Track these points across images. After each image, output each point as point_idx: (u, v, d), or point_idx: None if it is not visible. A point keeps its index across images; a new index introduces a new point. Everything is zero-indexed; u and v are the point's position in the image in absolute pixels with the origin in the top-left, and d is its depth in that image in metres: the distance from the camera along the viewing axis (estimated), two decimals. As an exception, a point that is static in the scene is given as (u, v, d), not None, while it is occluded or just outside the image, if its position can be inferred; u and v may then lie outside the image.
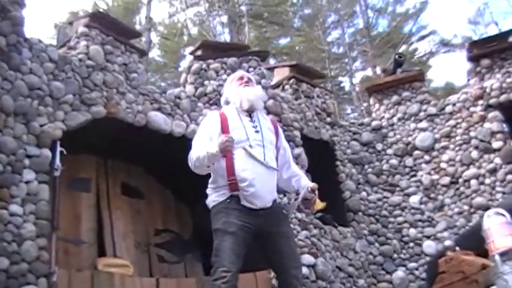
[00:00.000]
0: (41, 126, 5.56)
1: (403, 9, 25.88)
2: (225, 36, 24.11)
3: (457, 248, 6.61)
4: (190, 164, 3.97)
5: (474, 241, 6.58)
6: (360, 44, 25.97)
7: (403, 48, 25.20)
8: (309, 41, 25.33)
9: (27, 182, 5.21)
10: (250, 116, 4.15)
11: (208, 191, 4.08)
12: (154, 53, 26.24)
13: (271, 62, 27.16)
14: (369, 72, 25.12)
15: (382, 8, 25.82)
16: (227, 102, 4.39)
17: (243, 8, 22.86)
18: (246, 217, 3.85)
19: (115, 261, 6.42)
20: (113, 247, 6.93)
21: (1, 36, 5.50)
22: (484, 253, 6.13)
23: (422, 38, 25.83)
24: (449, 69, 52.01)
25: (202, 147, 3.92)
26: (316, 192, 4.13)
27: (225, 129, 4.05)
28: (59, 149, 5.67)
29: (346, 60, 25.14)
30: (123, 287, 5.84)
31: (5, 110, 5.25)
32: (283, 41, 27.52)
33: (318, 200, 4.20)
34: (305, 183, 4.26)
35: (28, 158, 5.32)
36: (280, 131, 4.39)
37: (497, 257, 3.51)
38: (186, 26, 25.06)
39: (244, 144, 3.94)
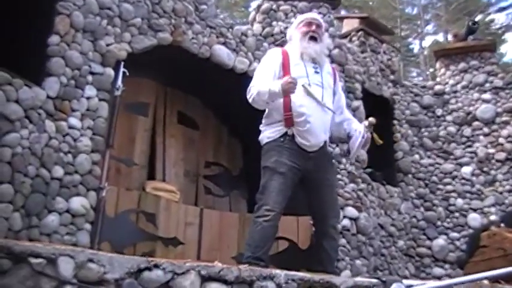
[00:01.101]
0: (107, 45, 5.62)
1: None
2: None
3: (502, 225, 6.54)
4: (248, 96, 3.99)
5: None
6: (435, 7, 25.24)
7: (478, 18, 24.44)
8: (383, -6, 24.81)
9: (88, 98, 5.32)
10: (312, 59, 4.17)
11: (261, 127, 4.13)
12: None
13: (342, 13, 26.89)
14: (440, 37, 24.53)
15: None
16: (291, 41, 4.39)
17: None
18: (297, 158, 3.89)
19: (163, 186, 6.57)
20: (163, 172, 7.07)
21: (77, -45, 5.56)
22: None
23: (501, 9, 24.93)
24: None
25: (265, 82, 3.94)
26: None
27: (286, 66, 4.07)
28: (122, 69, 5.75)
29: (419, 22, 24.51)
30: (167, 211, 6.00)
31: (74, 26, 5.32)
32: (357, -5, 26.98)
33: (375, 136, 4.20)
34: (356, 126, 4.27)
35: (91, 75, 5.41)
36: (338, 77, 4.39)
37: None
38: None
39: (303, 81, 3.95)
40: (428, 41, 25.18)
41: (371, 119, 4.13)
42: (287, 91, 3.78)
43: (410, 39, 27.27)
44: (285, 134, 3.95)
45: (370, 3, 25.97)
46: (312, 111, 3.93)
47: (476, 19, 23.76)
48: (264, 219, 3.76)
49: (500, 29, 25.38)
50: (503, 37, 25.40)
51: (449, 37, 10.66)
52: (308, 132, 3.88)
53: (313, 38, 4.20)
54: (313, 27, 4.26)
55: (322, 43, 4.28)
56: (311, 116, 3.90)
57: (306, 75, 4.04)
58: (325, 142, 4.10)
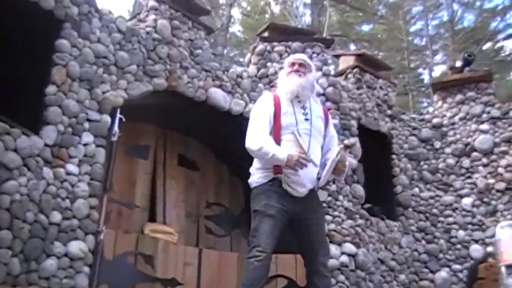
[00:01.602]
0: (104, 93, 5.84)
1: (492, 4, 24.99)
2: (306, 18, 23.95)
3: (499, 256, 6.58)
4: (249, 146, 4.05)
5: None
6: (443, 37, 25.41)
7: (487, 46, 24.57)
8: (390, 29, 24.93)
9: (85, 145, 5.51)
10: (301, 102, 4.27)
11: (251, 170, 4.23)
12: (235, 28, 26.42)
13: (352, 47, 27.08)
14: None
15: (469, 2, 24.99)
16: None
17: None
18: (285, 201, 3.99)
19: (161, 228, 6.69)
20: (163, 214, 7.20)
21: (74, 6, 5.81)
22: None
23: (509, 37, 24.98)
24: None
25: (268, 140, 4.02)
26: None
27: (277, 113, 4.17)
28: (118, 116, 5.93)
29: (427, 52, 24.61)
30: (165, 253, 6.10)
31: (71, 76, 5.55)
32: (365, 28, 27.21)
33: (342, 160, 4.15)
34: (331, 153, 4.30)
35: (88, 122, 5.62)
36: (330, 119, 4.46)
37: (503, 269, 3.55)
38: (269, 3, 25.06)
39: (293, 129, 4.07)
40: (438, 71, 25.22)
41: (346, 141, 4.15)
42: (291, 166, 3.90)
43: (420, 70, 27.38)
44: (274, 179, 4.06)
45: (379, 35, 26.13)
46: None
47: (485, 48, 24.02)
48: (256, 259, 3.86)
49: (510, 55, 25.47)
50: (512, 64, 25.52)
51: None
52: (294, 183, 3.99)
53: (297, 72, 4.33)
54: (296, 67, 4.39)
55: (305, 78, 4.38)
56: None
57: (296, 124, 4.13)
58: (312, 189, 4.20)
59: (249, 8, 25.41)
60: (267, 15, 25.11)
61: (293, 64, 4.41)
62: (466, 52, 10.37)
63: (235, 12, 24.08)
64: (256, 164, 4.19)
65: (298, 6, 24.29)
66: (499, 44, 25.44)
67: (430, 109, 23.05)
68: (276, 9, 25.25)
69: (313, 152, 4.07)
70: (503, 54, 25.52)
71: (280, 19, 24.03)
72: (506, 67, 25.77)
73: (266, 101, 4.25)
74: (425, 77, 26.30)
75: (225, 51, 23.35)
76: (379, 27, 26.24)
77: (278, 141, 3.99)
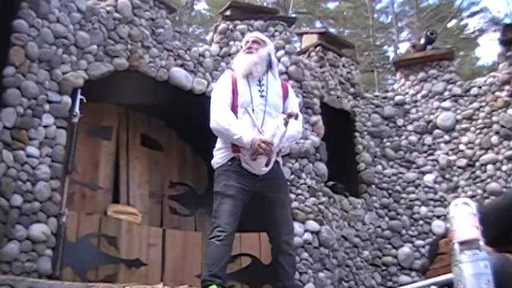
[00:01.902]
0: (64, 73, 5.78)
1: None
2: (273, -5, 23.94)
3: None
4: (215, 124, 4.07)
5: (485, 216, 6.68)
6: (408, 15, 25.56)
7: (452, 23, 24.80)
8: (356, 7, 24.99)
9: (45, 126, 5.46)
10: (258, 79, 4.31)
11: (214, 151, 4.27)
12: (201, 6, 26.17)
13: (318, 25, 27.08)
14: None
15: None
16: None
17: None
18: (245, 180, 4.03)
19: (124, 209, 6.68)
20: (127, 195, 7.19)
21: (31, -16, 5.70)
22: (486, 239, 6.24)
23: (473, 14, 25.25)
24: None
25: (233, 120, 4.04)
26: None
27: (234, 91, 4.21)
28: (79, 96, 5.87)
29: (392, 29, 24.73)
30: (129, 234, 6.10)
31: (29, 56, 5.47)
32: (331, 5, 27.19)
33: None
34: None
35: (48, 104, 5.56)
36: (291, 95, 4.48)
37: (456, 246, 3.58)
38: (235, -20, 24.88)
39: (248, 107, 4.10)
40: (403, 48, 25.41)
41: (289, 111, 4.16)
42: (254, 152, 3.92)
43: (385, 47, 27.54)
44: (233, 158, 4.09)
45: (344, 13, 26.17)
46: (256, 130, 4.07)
47: (450, 25, 24.23)
48: (217, 239, 3.90)
49: (474, 33, 25.75)
50: (477, 41, 25.82)
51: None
52: (250, 160, 4.02)
53: (248, 53, 4.37)
54: (249, 44, 4.44)
55: (257, 54, 4.41)
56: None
57: (251, 101, 4.17)
58: (273, 165, 4.22)
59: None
60: (233, -8, 24.97)
61: (247, 42, 4.48)
62: (428, 30, 10.45)
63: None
64: (217, 144, 4.23)
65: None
66: (463, 22, 25.74)
67: (395, 86, 23.17)
68: (243, -15, 25.00)
69: (267, 128, 4.10)
70: (467, 32, 25.81)
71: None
72: (470, 44, 26.09)
73: (225, 81, 4.33)
74: (391, 55, 26.48)
75: (190, 30, 23.19)
76: (344, 4, 26.28)
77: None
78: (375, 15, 25.71)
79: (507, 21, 24.29)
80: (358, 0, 24.61)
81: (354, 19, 25.58)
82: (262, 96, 4.23)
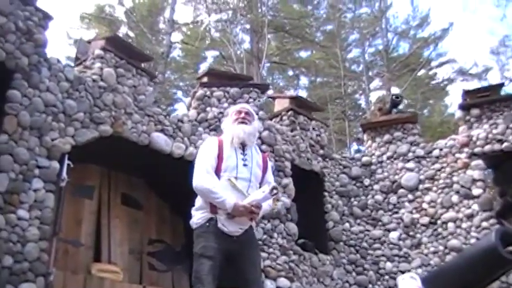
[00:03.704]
0: (53, 140, 6.18)
1: (425, 34, 25.98)
2: (246, 45, 24.62)
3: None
4: (198, 184, 4.34)
5: (436, 282, 7.13)
6: (379, 65, 26.24)
7: (421, 73, 25.51)
8: (329, 56, 25.55)
9: (35, 190, 5.83)
10: (243, 148, 4.73)
11: (192, 211, 4.65)
12: (175, 53, 26.55)
13: (290, 73, 27.68)
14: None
15: (403, 31, 26.07)
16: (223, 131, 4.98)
17: (266, 18, 22.96)
18: (223, 241, 4.38)
19: (107, 267, 7.00)
20: (108, 252, 7.49)
21: (24, 57, 6.16)
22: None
23: (441, 64, 26.08)
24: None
25: (216, 183, 4.42)
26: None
27: (220, 156, 4.62)
28: (66, 162, 6.27)
29: (363, 78, 25.29)
30: (112, 291, 6.44)
31: (21, 124, 5.88)
32: (304, 54, 27.77)
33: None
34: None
35: (38, 169, 5.94)
36: (269, 167, 4.87)
37: None
38: (208, 30, 25.43)
39: (231, 175, 4.51)
40: (374, 97, 25.98)
41: (273, 185, 4.57)
42: (237, 215, 4.35)
43: (357, 96, 28.08)
44: (211, 219, 4.47)
45: (317, 61, 26.70)
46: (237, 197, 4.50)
47: (420, 74, 24.96)
48: None
49: (443, 82, 26.55)
50: (446, 89, 26.66)
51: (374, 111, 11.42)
52: (228, 222, 4.41)
53: (242, 122, 4.79)
54: (243, 115, 4.85)
55: (252, 126, 4.85)
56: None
57: (236, 167, 4.59)
58: (247, 228, 4.63)
59: (188, 33, 25.65)
60: (207, 41, 25.48)
61: (240, 112, 4.84)
62: (393, 94, 11.03)
63: (176, 37, 24.32)
64: (196, 204, 4.60)
65: (237, 32, 24.83)
66: (432, 71, 26.59)
67: (362, 148, 23.66)
68: (217, 34, 25.60)
69: (252, 194, 4.52)
70: (436, 81, 26.63)
71: (219, 44, 24.53)
72: (440, 93, 26.89)
73: (211, 144, 4.66)
74: (362, 103, 27.03)
75: (165, 76, 23.53)
76: (317, 54, 26.79)
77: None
78: (347, 64, 26.30)
79: (473, 71, 25.41)
80: (330, 50, 25.19)
81: (325, 68, 26.15)
82: (245, 165, 4.64)
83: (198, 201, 4.51)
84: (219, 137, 4.77)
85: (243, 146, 4.60)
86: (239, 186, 4.39)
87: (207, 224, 4.37)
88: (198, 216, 4.45)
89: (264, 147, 8.20)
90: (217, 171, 4.42)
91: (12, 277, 5.34)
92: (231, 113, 4.88)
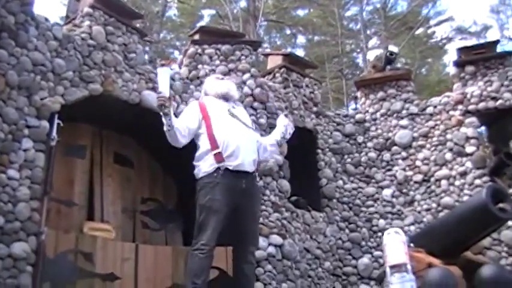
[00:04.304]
0: (42, 99, 6.13)
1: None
2: (242, 3, 24.42)
3: (411, 244, 7.14)
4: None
5: (427, 239, 7.20)
6: (376, 23, 26.10)
7: (420, 31, 25.42)
8: (326, 14, 25.45)
9: (25, 150, 5.80)
10: (227, 102, 4.83)
11: (195, 162, 4.71)
12: (171, 12, 26.49)
13: (287, 32, 27.52)
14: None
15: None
16: (206, 94, 5.04)
17: None
18: (228, 193, 4.46)
19: (99, 226, 7.02)
20: (101, 211, 7.51)
21: (10, 15, 6.03)
22: (433, 252, 6.76)
23: (440, 23, 26.00)
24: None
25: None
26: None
27: (204, 113, 4.69)
28: (56, 121, 6.24)
29: (361, 37, 25.20)
30: (104, 249, 6.43)
31: (9, 84, 5.81)
32: (301, 12, 27.73)
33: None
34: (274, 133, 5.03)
35: (28, 128, 5.90)
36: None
37: (388, 269, 4.08)
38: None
39: (226, 108, 4.64)
40: (372, 55, 25.96)
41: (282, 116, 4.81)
42: (158, 105, 4.50)
43: (354, 54, 28.04)
44: (218, 168, 4.52)
45: (314, 20, 26.56)
46: (238, 133, 4.56)
47: (418, 33, 24.81)
48: (200, 252, 4.36)
49: (441, 41, 26.46)
50: (444, 48, 26.60)
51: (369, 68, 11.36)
52: (235, 153, 4.48)
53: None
54: (221, 77, 5.02)
55: (232, 83, 4.98)
56: (237, 137, 4.52)
57: (227, 111, 4.71)
58: (256, 171, 4.70)
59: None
60: (203, 0, 25.25)
61: (218, 77, 5.04)
62: (388, 51, 10.96)
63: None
64: (199, 153, 4.67)
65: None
66: (430, 30, 26.47)
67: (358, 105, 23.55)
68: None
69: (247, 139, 4.60)
70: (434, 40, 26.52)
71: (215, 3, 24.32)
72: (438, 52, 26.84)
73: (189, 109, 4.85)
74: (360, 61, 26.98)
75: (161, 35, 23.40)
76: (314, 12, 26.68)
77: (210, 127, 4.57)
78: (344, 23, 26.17)
79: (472, 29, 25.25)
80: (328, 8, 25.04)
81: (323, 27, 26.02)
82: (234, 107, 4.77)
83: (199, 151, 4.62)
84: (199, 101, 4.93)
85: (226, 100, 4.78)
86: (236, 113, 4.58)
87: (215, 173, 4.47)
88: (204, 165, 4.56)
89: (256, 104, 8.17)
90: (206, 120, 4.62)
91: (3, 236, 5.35)
92: (211, 78, 5.12)
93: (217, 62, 8.38)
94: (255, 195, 4.75)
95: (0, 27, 5.92)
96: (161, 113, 4.49)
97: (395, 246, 4.33)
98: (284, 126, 4.96)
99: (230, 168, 4.45)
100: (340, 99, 25.27)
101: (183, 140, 4.66)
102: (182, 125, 4.63)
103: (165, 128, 4.56)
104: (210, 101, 4.85)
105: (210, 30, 9.21)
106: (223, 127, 4.57)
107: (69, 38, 6.75)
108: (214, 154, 4.49)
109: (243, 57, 8.57)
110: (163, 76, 4.58)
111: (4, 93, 5.76)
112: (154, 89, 7.45)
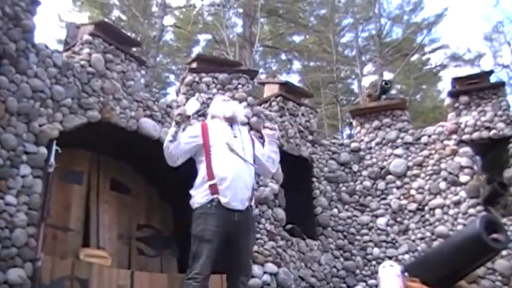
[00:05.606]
0: (40, 126, 6.17)
1: (418, 19, 26.02)
2: (239, 29, 24.58)
3: (406, 274, 7.17)
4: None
5: (422, 269, 7.24)
6: (372, 50, 26.25)
7: (415, 58, 25.55)
8: (322, 40, 25.54)
9: (23, 176, 5.82)
10: (231, 126, 4.87)
11: (191, 192, 4.75)
12: (168, 37, 26.50)
13: (283, 57, 27.67)
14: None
15: (397, 16, 26.07)
16: (212, 117, 5.10)
17: (258, 2, 22.83)
18: (223, 223, 4.50)
19: (95, 252, 7.04)
20: (97, 237, 7.52)
21: (12, 43, 6.10)
22: (428, 281, 6.80)
23: (434, 50, 26.13)
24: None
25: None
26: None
27: (205, 134, 4.75)
28: (54, 147, 6.28)
29: (357, 63, 25.29)
30: (100, 276, 6.44)
31: (9, 110, 5.86)
32: (297, 38, 27.87)
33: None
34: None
35: (26, 154, 5.92)
36: (256, 141, 5.04)
37: None
38: (201, 14, 25.35)
39: (225, 140, 4.67)
40: (367, 82, 25.98)
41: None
42: (177, 114, 4.59)
43: (350, 80, 28.15)
44: (212, 200, 4.57)
45: (310, 46, 26.71)
46: (234, 168, 4.60)
47: (413, 59, 24.98)
48: (195, 281, 4.38)
49: (436, 67, 26.65)
50: (439, 75, 26.78)
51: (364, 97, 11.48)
52: (229, 189, 4.52)
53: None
54: (227, 99, 5.09)
55: (238, 106, 5.06)
56: (233, 172, 4.56)
57: (226, 138, 4.76)
58: (250, 206, 4.73)
59: (181, 16, 25.53)
60: (199, 25, 25.41)
61: (225, 100, 5.11)
62: (383, 80, 11.08)
63: (168, 21, 24.19)
64: (197, 182, 4.71)
65: (230, 16, 24.71)
66: (425, 57, 26.66)
67: (352, 132, 23.70)
68: (209, 18, 25.56)
69: (243, 174, 4.64)
70: (429, 67, 26.71)
71: (212, 28, 24.47)
72: (432, 78, 27.01)
73: (190, 129, 4.87)
74: (355, 87, 27.08)
75: (158, 60, 23.51)
76: (310, 38, 26.80)
77: (209, 155, 4.58)
78: (340, 49, 26.30)
79: (466, 56, 25.47)
80: (324, 34, 25.18)
81: (318, 53, 26.16)
82: (235, 137, 4.81)
83: (197, 180, 4.66)
84: (202, 122, 4.98)
85: (231, 124, 4.79)
86: (235, 148, 4.60)
87: (209, 204, 4.51)
88: (199, 196, 4.60)
89: (252, 132, 8.22)
90: (206, 147, 4.61)
91: (0, 263, 5.36)
92: (217, 101, 5.14)
93: (215, 90, 8.48)
94: (248, 227, 4.76)
95: (1, 54, 5.98)
96: (174, 121, 4.58)
97: (390, 279, 4.38)
98: (270, 135, 5.04)
99: (222, 203, 4.50)
100: (335, 125, 25.34)
101: (179, 157, 4.72)
102: (182, 140, 4.68)
103: (169, 138, 4.61)
104: (214, 125, 4.89)
105: (208, 59, 9.33)
106: (221, 159, 4.60)
107: (69, 65, 6.82)
108: (210, 185, 4.54)
109: (240, 86, 8.67)
110: (193, 103, 4.78)
111: (3, 119, 5.80)
112: (151, 116, 7.53)
